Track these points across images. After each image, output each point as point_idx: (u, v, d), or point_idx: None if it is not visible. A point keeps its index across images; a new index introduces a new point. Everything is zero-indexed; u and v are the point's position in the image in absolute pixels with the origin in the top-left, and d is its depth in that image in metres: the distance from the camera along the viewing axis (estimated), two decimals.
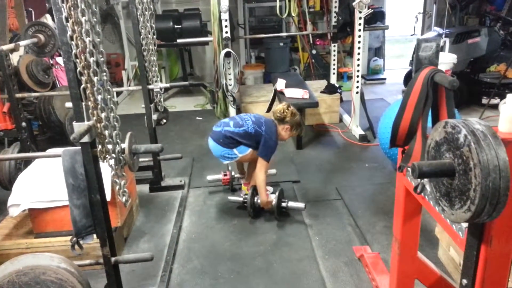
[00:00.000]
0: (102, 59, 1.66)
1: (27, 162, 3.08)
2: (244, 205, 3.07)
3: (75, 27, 1.55)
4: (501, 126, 1.19)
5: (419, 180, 1.47)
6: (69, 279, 1.69)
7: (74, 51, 1.56)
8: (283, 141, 3.19)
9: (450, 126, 1.17)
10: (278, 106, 3.09)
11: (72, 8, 1.53)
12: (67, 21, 1.54)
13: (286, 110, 3.01)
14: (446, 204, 1.21)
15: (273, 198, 2.96)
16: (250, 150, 2.99)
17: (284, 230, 2.89)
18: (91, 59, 1.58)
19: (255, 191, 3.01)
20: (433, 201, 1.44)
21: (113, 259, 1.89)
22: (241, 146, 2.97)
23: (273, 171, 3.49)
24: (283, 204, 2.98)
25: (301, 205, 2.99)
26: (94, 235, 1.87)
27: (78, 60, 1.58)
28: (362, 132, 4.45)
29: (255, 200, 3.00)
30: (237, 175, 3.44)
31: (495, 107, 4.76)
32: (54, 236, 2.54)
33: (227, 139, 2.96)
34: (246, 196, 3.04)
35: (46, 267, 1.69)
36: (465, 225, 1.28)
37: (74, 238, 1.83)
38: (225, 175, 3.42)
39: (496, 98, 4.75)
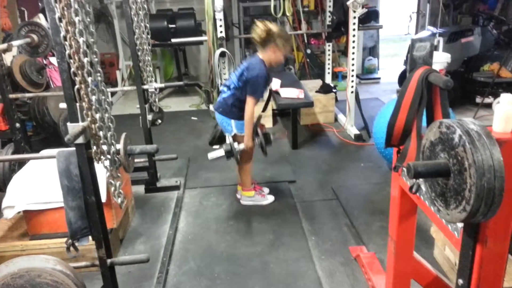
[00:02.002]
0: (96, 59, 1.65)
1: (21, 163, 3.06)
2: (228, 155, 2.88)
3: (69, 27, 1.54)
4: (495, 126, 1.20)
5: (414, 180, 1.48)
6: (65, 281, 1.68)
7: (67, 52, 1.55)
8: (280, 63, 2.92)
9: (445, 126, 1.18)
10: (253, 30, 2.79)
11: (65, 8, 1.51)
12: (60, 21, 1.53)
13: (262, 30, 2.72)
14: (441, 204, 1.21)
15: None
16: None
17: (280, 230, 2.89)
18: (85, 60, 1.57)
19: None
20: (429, 201, 1.44)
21: (109, 261, 1.88)
22: (239, 121, 2.89)
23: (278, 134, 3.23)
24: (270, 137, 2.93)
25: (283, 135, 2.91)
26: (90, 237, 1.86)
27: (72, 61, 1.57)
28: (357, 132, 4.46)
29: (236, 146, 2.86)
30: (238, 146, 2.97)
31: (489, 106, 4.79)
32: (49, 238, 2.52)
33: (226, 106, 2.92)
34: (228, 147, 2.87)
35: (42, 269, 1.68)
36: (460, 225, 1.28)
37: (70, 240, 1.82)
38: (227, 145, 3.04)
39: (490, 97, 4.78)
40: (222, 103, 2.94)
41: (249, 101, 2.81)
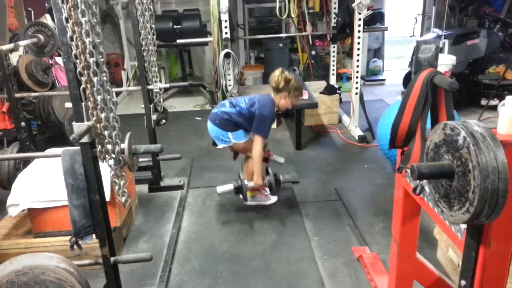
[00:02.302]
0: (102, 59, 1.66)
1: (26, 162, 3.08)
2: (237, 191, 2.98)
3: (75, 28, 1.55)
4: (500, 128, 1.19)
5: (418, 181, 1.48)
6: (68, 279, 1.69)
7: (74, 52, 1.57)
8: (287, 109, 3.06)
9: (449, 128, 1.18)
10: (272, 74, 2.94)
11: (72, 8, 1.53)
12: (67, 21, 1.54)
13: (280, 78, 2.88)
14: (445, 206, 1.21)
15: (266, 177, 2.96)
16: (246, 139, 2.97)
17: (283, 230, 2.89)
18: (91, 60, 1.59)
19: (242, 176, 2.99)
20: (432, 203, 1.44)
21: (112, 259, 1.90)
22: (237, 131, 2.94)
23: (281, 160, 3.28)
24: (280, 178, 3.01)
25: (294, 175, 3.05)
26: (93, 235, 1.87)
27: (78, 61, 1.58)
28: (361, 133, 4.46)
29: (246, 183, 2.93)
30: (248, 183, 2.99)
31: (494, 108, 4.77)
32: (53, 236, 2.54)
33: (223, 120, 2.94)
34: (237, 182, 2.96)
35: (45, 267, 1.69)
36: (463, 226, 1.28)
37: (73, 238, 1.83)
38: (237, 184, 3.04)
39: (495, 99, 4.76)
40: (220, 116, 2.95)
41: (258, 140, 2.88)
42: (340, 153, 4.22)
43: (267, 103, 2.93)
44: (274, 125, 4.88)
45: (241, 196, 3.02)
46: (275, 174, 3.00)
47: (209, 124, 3.02)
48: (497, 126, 1.20)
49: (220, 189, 3.01)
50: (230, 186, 2.98)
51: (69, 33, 1.55)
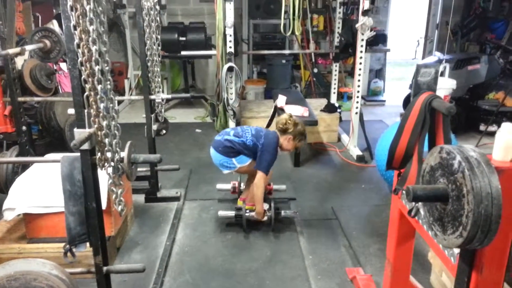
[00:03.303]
0: (107, 68, 1.69)
1: (24, 166, 3.09)
2: (236, 220, 3.05)
3: (83, 36, 1.58)
4: (495, 154, 1.21)
5: (413, 203, 1.49)
6: (60, 287, 1.68)
7: (80, 59, 1.59)
8: (287, 151, 3.19)
9: (445, 152, 1.19)
10: (281, 117, 3.08)
11: (80, 16, 1.56)
12: (75, 29, 1.57)
13: (289, 121, 3.00)
14: (438, 229, 1.22)
15: (267, 208, 3.03)
16: (249, 161, 2.99)
17: (278, 247, 2.88)
18: (96, 68, 1.61)
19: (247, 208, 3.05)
20: (427, 225, 1.45)
21: (105, 268, 1.89)
22: (240, 156, 2.98)
23: (282, 187, 3.49)
24: (281, 214, 3.07)
25: (293, 212, 3.18)
26: (87, 244, 1.87)
27: (83, 68, 1.60)
28: (360, 153, 4.47)
29: (247, 214, 3.01)
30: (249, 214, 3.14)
31: (493, 134, 4.79)
32: (47, 242, 2.53)
33: (226, 148, 2.97)
34: (239, 211, 3.03)
35: (38, 273, 1.69)
36: (457, 251, 1.29)
37: (67, 245, 1.83)
38: (234, 185, 3.44)
39: (494, 125, 4.79)
40: (223, 144, 2.99)
41: (261, 177, 2.93)
42: (338, 172, 4.23)
43: (273, 141, 2.99)
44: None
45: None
46: (276, 208, 3.06)
47: (212, 151, 3.05)
48: (492, 152, 1.22)
49: (222, 213, 3.11)
50: (231, 213, 3.08)
51: (76, 41, 1.57)
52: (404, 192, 1.66)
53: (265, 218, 3.03)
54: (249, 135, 2.99)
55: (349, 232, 3.04)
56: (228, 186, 3.48)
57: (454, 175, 1.14)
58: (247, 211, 3.02)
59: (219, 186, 3.52)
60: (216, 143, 3.04)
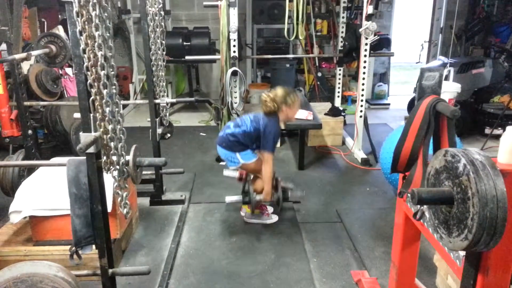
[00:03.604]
0: (112, 72, 1.70)
1: (30, 169, 3.11)
2: (245, 203, 3.03)
3: (88, 41, 1.60)
4: (500, 157, 1.21)
5: (418, 206, 1.49)
6: None
7: (86, 64, 1.61)
8: (293, 120, 3.13)
9: (450, 155, 1.19)
10: (261, 99, 2.97)
11: (86, 22, 1.58)
12: (81, 34, 1.59)
13: (267, 100, 2.90)
14: (444, 232, 1.22)
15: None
16: (254, 159, 2.98)
17: (283, 250, 2.88)
18: (102, 72, 1.63)
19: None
20: (432, 228, 1.44)
21: (110, 270, 1.90)
22: (245, 151, 2.96)
23: (290, 185, 3.25)
24: (288, 193, 3.05)
25: (301, 193, 3.14)
26: (93, 246, 1.88)
27: (89, 73, 1.62)
28: (364, 156, 4.47)
29: (254, 196, 2.97)
30: (256, 196, 3.09)
31: (498, 137, 4.78)
32: (53, 244, 2.54)
33: (230, 142, 2.95)
34: (246, 195, 3.01)
35: (44, 275, 1.70)
36: (462, 253, 1.29)
37: (73, 248, 1.84)
38: (241, 173, 3.30)
39: (499, 128, 4.78)
40: (226, 138, 2.97)
41: (268, 157, 2.90)
42: (343, 175, 4.23)
43: (272, 119, 2.95)
44: (278, 144, 4.92)
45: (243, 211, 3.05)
46: (284, 191, 3.02)
47: (218, 148, 3.05)
48: (498, 155, 1.22)
49: (229, 199, 3.07)
50: (238, 198, 3.04)
51: (82, 46, 1.59)
52: (409, 195, 1.67)
53: (272, 199, 2.99)
54: (248, 122, 2.97)
55: (354, 235, 3.04)
56: (235, 173, 3.33)
57: (459, 178, 1.14)
58: (255, 194, 2.98)
59: (226, 172, 3.39)
60: (220, 139, 3.03)
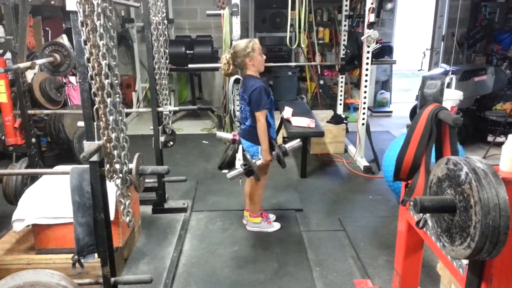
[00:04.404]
0: (116, 81, 1.72)
1: (33, 178, 3.12)
2: (248, 173, 2.90)
3: (93, 50, 1.61)
4: (502, 165, 1.21)
5: (421, 214, 1.48)
6: None
7: (90, 73, 1.62)
8: (263, 62, 3.04)
9: (452, 163, 1.19)
10: (222, 64, 2.94)
11: (91, 31, 1.60)
12: (85, 44, 1.61)
13: (226, 61, 2.89)
14: (446, 240, 1.22)
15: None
16: (259, 161, 2.94)
17: (285, 258, 2.87)
18: (106, 81, 1.64)
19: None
20: (435, 237, 1.44)
21: (112, 279, 1.90)
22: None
23: (297, 141, 3.13)
24: (286, 147, 2.98)
25: (297, 142, 3.04)
26: (95, 254, 1.88)
27: (93, 82, 1.64)
28: (367, 164, 4.46)
29: (254, 161, 2.89)
30: (256, 161, 3.00)
31: (501, 145, 4.76)
32: (56, 253, 2.54)
33: (253, 133, 2.92)
34: (245, 163, 2.90)
35: (46, 284, 1.70)
36: (465, 262, 1.28)
37: (76, 256, 1.84)
38: (234, 135, 3.19)
39: (502, 136, 4.77)
40: (248, 130, 2.97)
41: (259, 116, 2.83)
42: (345, 183, 4.22)
43: (249, 81, 2.91)
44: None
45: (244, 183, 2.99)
46: (280, 146, 2.97)
47: (242, 141, 3.04)
48: (500, 163, 1.22)
49: (230, 174, 2.94)
50: (239, 170, 2.91)
51: (87, 55, 1.61)
52: (411, 203, 1.66)
53: (273, 156, 2.94)
54: (245, 107, 2.96)
55: (356, 243, 3.02)
56: (229, 135, 3.20)
57: (461, 186, 1.14)
58: (253, 160, 2.90)
59: (220, 134, 3.30)
60: (242, 132, 3.05)
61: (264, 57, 3.01)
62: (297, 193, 3.89)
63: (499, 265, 1.18)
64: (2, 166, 4.02)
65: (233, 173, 2.94)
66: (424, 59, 6.87)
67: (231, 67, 2.92)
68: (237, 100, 4.73)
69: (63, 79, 4.79)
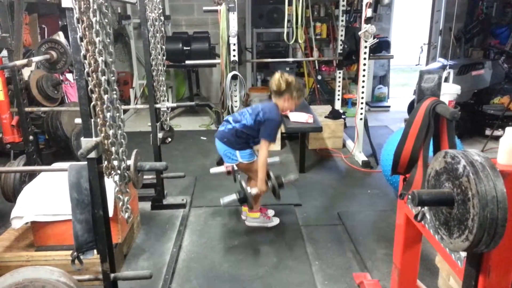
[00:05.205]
0: (113, 78, 1.71)
1: (31, 175, 3.12)
2: (242, 201, 2.86)
3: (89, 47, 1.61)
4: (499, 158, 1.22)
5: (419, 208, 1.49)
6: None
7: (86, 70, 1.62)
8: (291, 110, 3.06)
9: (450, 156, 1.20)
10: (273, 78, 2.91)
11: (87, 28, 1.59)
12: (81, 40, 1.60)
13: (281, 80, 2.84)
14: (445, 233, 1.22)
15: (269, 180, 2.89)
16: (251, 160, 2.96)
17: (284, 253, 2.88)
18: (103, 78, 1.64)
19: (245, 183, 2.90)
20: (433, 230, 1.45)
21: (112, 275, 1.90)
22: (245, 150, 2.94)
23: (276, 158, 3.29)
24: (282, 179, 2.92)
25: (294, 176, 3.00)
26: (95, 251, 1.88)
27: (90, 78, 1.63)
28: (365, 158, 4.47)
29: (249, 191, 2.83)
30: (251, 190, 2.99)
31: (499, 139, 4.78)
32: (55, 250, 2.54)
33: (231, 137, 2.93)
34: (240, 191, 2.86)
35: (46, 280, 1.70)
36: (463, 254, 1.29)
37: (75, 253, 1.84)
38: (227, 167, 3.24)
39: (500, 130, 4.78)
40: (228, 134, 2.94)
41: (264, 144, 2.84)
42: (344, 177, 4.23)
43: (272, 108, 2.90)
44: (278, 147, 4.93)
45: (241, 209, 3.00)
46: (277, 177, 2.92)
47: (217, 142, 3.02)
48: (497, 156, 1.22)
49: (224, 200, 2.90)
50: (233, 197, 2.87)
51: (83, 52, 1.60)
52: (409, 196, 1.67)
53: (268, 187, 2.89)
54: (247, 115, 2.93)
55: (355, 237, 3.03)
56: (222, 168, 3.26)
57: (459, 179, 1.15)
58: (248, 188, 2.85)
59: (213, 170, 3.32)
60: (220, 133, 3.00)
61: (294, 107, 2.99)
62: (295, 188, 3.89)
63: (497, 257, 1.18)
64: (0, 163, 4.02)
65: (226, 199, 2.89)
66: (421, 54, 6.87)
67: (282, 85, 2.85)
68: (235, 96, 4.72)
69: (60, 76, 4.77)
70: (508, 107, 4.80)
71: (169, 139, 3.54)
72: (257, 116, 2.88)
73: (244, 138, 2.92)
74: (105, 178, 1.81)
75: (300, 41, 4.96)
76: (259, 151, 2.87)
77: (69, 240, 2.18)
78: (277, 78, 2.86)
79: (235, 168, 3.18)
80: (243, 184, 2.87)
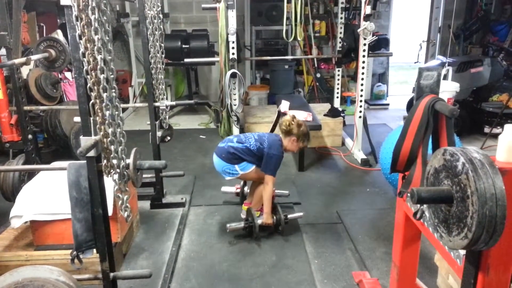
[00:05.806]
0: (112, 76, 1.71)
1: (30, 174, 3.11)
2: (245, 230, 3.02)
3: (88, 45, 1.60)
4: (498, 156, 1.22)
5: (418, 206, 1.49)
6: None
7: (85, 68, 1.61)
8: (292, 152, 3.19)
9: (449, 154, 1.20)
10: (284, 118, 3.11)
11: (85, 26, 1.58)
12: (80, 38, 1.59)
13: (292, 122, 3.02)
14: (444, 231, 1.22)
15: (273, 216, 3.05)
16: (253, 167, 3.01)
17: (284, 252, 2.88)
18: (102, 76, 1.63)
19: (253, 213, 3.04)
20: (432, 228, 1.45)
21: (111, 274, 1.90)
22: (243, 162, 3.00)
23: (285, 192, 3.57)
24: (287, 215, 3.08)
25: (299, 214, 3.18)
26: (94, 250, 1.88)
27: (88, 76, 1.62)
28: (364, 157, 4.47)
29: (257, 221, 2.99)
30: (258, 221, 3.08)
31: (498, 136, 4.78)
32: (54, 249, 2.54)
33: (230, 155, 2.99)
34: (248, 220, 3.02)
35: (45, 280, 1.70)
36: (463, 252, 1.29)
37: (74, 252, 1.84)
38: (238, 188, 3.52)
39: (498, 127, 4.78)
40: (227, 150, 3.01)
41: (269, 180, 2.97)
42: (343, 176, 4.23)
43: (276, 142, 3.02)
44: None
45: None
46: (283, 211, 3.09)
47: (216, 158, 3.07)
48: (496, 153, 1.22)
49: (231, 225, 3.02)
50: (241, 225, 3.02)
51: (82, 50, 1.59)
52: (409, 194, 1.67)
53: (273, 221, 3.04)
54: (252, 141, 3.02)
55: (354, 236, 3.04)
56: (233, 189, 3.54)
57: (458, 176, 1.15)
58: (259, 220, 3.00)
59: (224, 189, 3.58)
60: (220, 150, 3.06)
61: (296, 150, 3.15)
62: (295, 186, 3.90)
63: (496, 255, 1.19)
64: None
65: (234, 225, 3.03)
66: (420, 51, 6.87)
67: (292, 128, 3.01)
68: (234, 94, 4.72)
69: (59, 74, 4.76)
70: (507, 105, 4.80)
71: (168, 138, 3.53)
72: (262, 144, 3.00)
73: (241, 157, 3.01)
74: (105, 177, 1.81)
75: (299, 39, 4.96)
76: (264, 185, 2.99)
77: (69, 239, 2.18)
78: (290, 120, 3.04)
79: (245, 190, 3.45)
80: (252, 212, 3.03)
